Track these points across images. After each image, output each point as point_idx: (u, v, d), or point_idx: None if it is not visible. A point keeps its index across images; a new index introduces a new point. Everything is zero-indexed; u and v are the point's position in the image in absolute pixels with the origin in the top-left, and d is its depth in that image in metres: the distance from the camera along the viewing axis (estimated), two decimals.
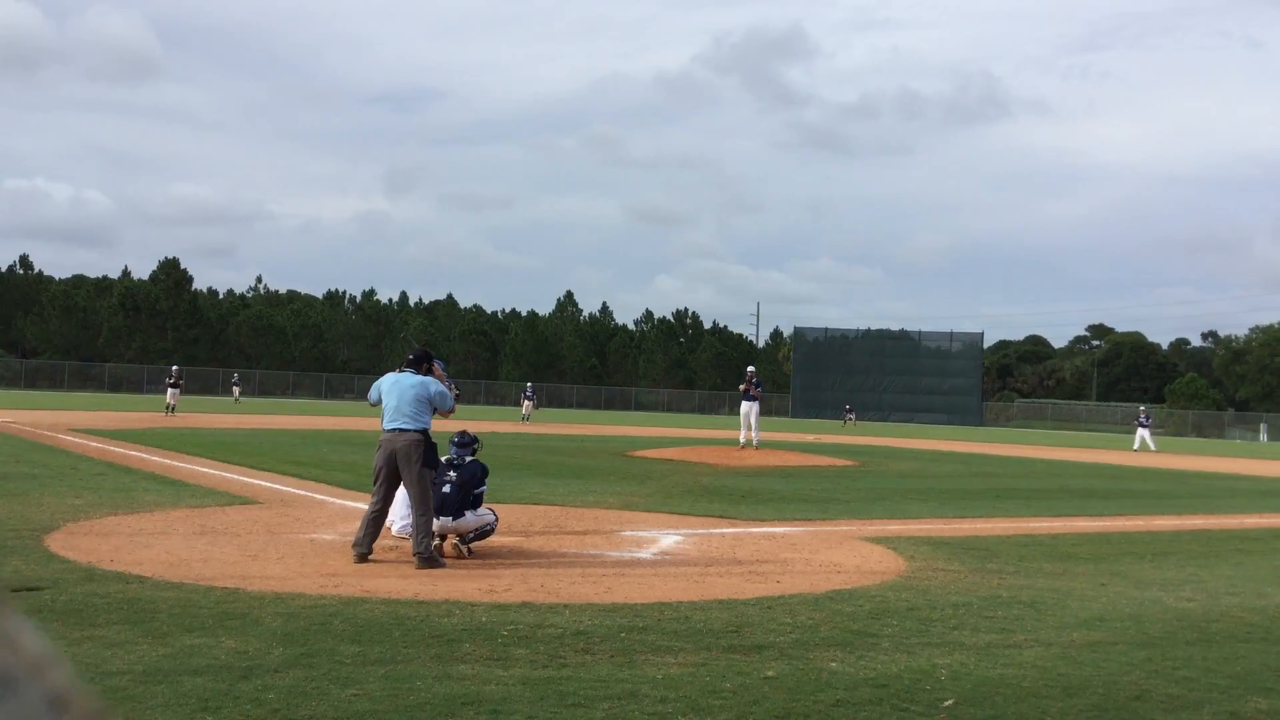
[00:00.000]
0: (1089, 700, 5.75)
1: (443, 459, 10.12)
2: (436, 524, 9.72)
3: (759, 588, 8.76)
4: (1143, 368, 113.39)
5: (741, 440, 26.49)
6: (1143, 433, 44.43)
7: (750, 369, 28.17)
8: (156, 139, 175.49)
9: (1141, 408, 52.39)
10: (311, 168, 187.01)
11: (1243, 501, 20.27)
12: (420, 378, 9.74)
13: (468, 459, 10.25)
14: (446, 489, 9.91)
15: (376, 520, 9.47)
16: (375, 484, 9.59)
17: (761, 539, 11.89)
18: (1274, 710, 5.74)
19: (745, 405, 26.66)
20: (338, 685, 5.44)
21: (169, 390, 40.05)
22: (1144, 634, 7.56)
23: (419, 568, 9.13)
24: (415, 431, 9.47)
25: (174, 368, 43.79)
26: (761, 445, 26.81)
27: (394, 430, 9.51)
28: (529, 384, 55.35)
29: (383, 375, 10.05)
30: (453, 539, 10.02)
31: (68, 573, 8.19)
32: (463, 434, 10.55)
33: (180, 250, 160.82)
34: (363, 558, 9.27)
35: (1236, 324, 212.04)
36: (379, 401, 9.78)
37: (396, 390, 9.62)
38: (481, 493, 10.21)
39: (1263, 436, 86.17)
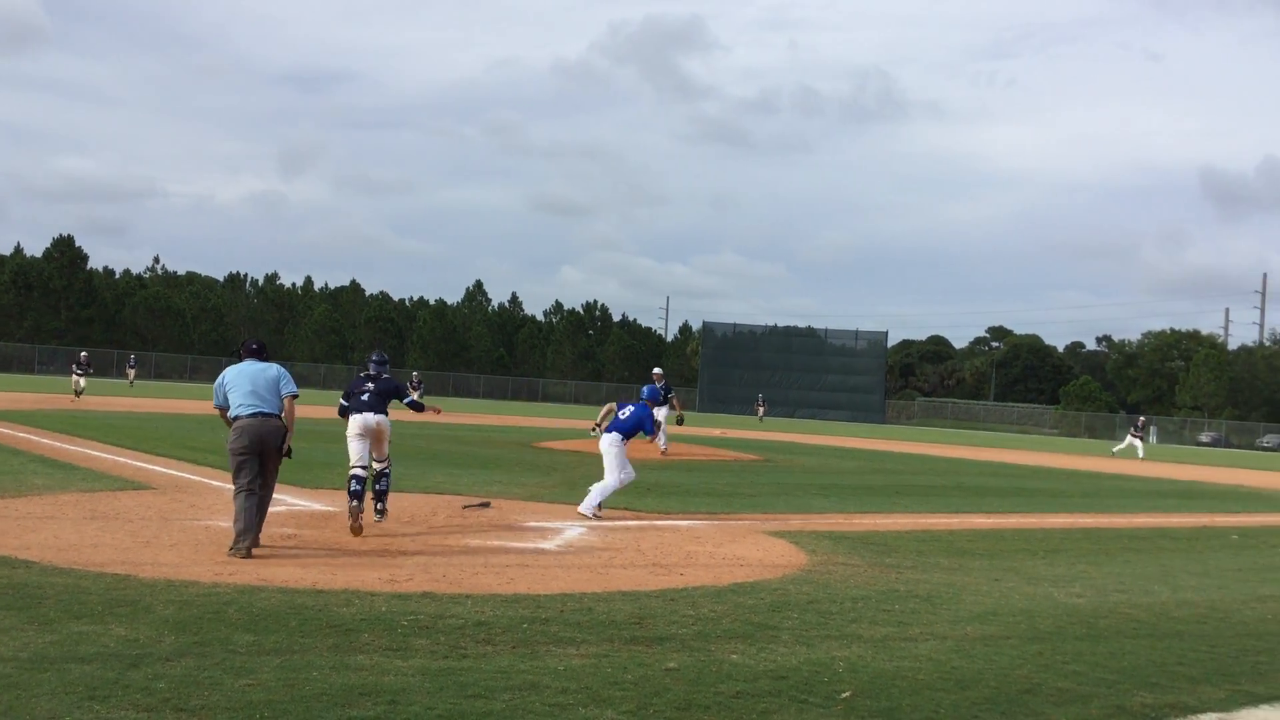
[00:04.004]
0: (982, 693, 5.88)
1: (361, 374, 11.65)
2: (373, 418, 11.13)
3: (662, 580, 8.80)
4: (1039, 369, 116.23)
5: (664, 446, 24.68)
6: (1135, 441, 43.18)
7: (657, 370, 26.67)
8: (43, 111, 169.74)
9: (1140, 419, 51.68)
10: (207, 146, 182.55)
11: (1131, 501, 20.90)
12: (271, 364, 9.65)
13: (384, 375, 11.68)
14: (365, 397, 11.28)
15: (253, 505, 9.04)
16: (240, 470, 9.12)
17: (666, 532, 11.94)
18: (1159, 704, 5.93)
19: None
20: (231, 675, 5.33)
21: (76, 376, 38.37)
22: (1035, 629, 7.75)
23: (244, 554, 8.80)
24: (276, 417, 9.32)
25: (83, 353, 42.07)
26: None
27: (259, 415, 9.21)
28: (415, 373, 54.49)
29: (227, 370, 9.67)
30: (371, 515, 11.02)
31: None
32: (380, 352, 12.21)
33: (70, 227, 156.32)
34: (249, 551, 8.85)
35: (1129, 329, 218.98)
36: (224, 402, 9.39)
37: (249, 376, 9.39)
38: (414, 401, 12.31)
39: (1152, 439, 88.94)
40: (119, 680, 5.14)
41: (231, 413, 9.30)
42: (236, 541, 8.87)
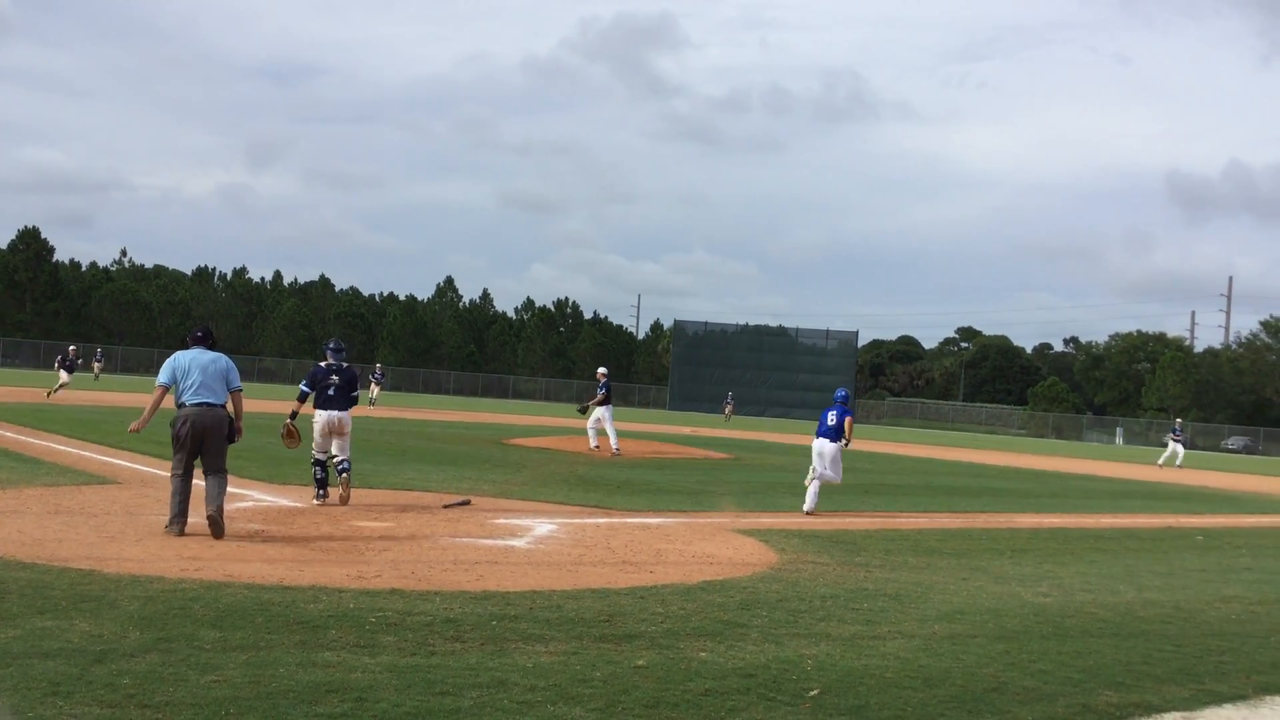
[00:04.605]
0: (949, 691, 5.91)
1: (323, 364, 12.53)
2: (335, 415, 12.27)
3: (632, 577, 8.79)
4: (1008, 370, 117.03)
5: (616, 446, 24.31)
6: (1176, 446, 40.97)
7: (602, 370, 25.63)
8: (8, 102, 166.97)
9: (1178, 420, 48.17)
10: (175, 138, 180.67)
11: (1098, 502, 21.08)
12: (217, 354, 10.09)
13: (344, 365, 12.58)
14: (331, 391, 12.35)
15: (188, 490, 9.71)
16: (178, 454, 9.70)
17: (636, 529, 11.93)
18: (1125, 703, 5.97)
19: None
20: (196, 671, 5.28)
21: (63, 371, 36.14)
22: (1002, 628, 7.80)
23: (215, 535, 9.38)
24: (221, 407, 9.86)
25: (70, 347, 40.41)
26: (593, 441, 24.66)
27: (203, 405, 9.73)
28: (379, 365, 53.77)
29: (174, 355, 10.17)
30: (341, 493, 12.20)
31: None
32: (338, 340, 12.98)
33: (36, 219, 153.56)
34: (183, 531, 9.50)
35: (1096, 331, 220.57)
36: (172, 382, 9.83)
37: (199, 366, 9.83)
38: (356, 396, 12.73)
39: (1119, 440, 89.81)
40: (83, 676, 5.08)
41: (179, 399, 9.78)
42: (171, 521, 9.55)
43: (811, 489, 14.88)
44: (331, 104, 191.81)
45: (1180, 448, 40.92)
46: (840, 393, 15.80)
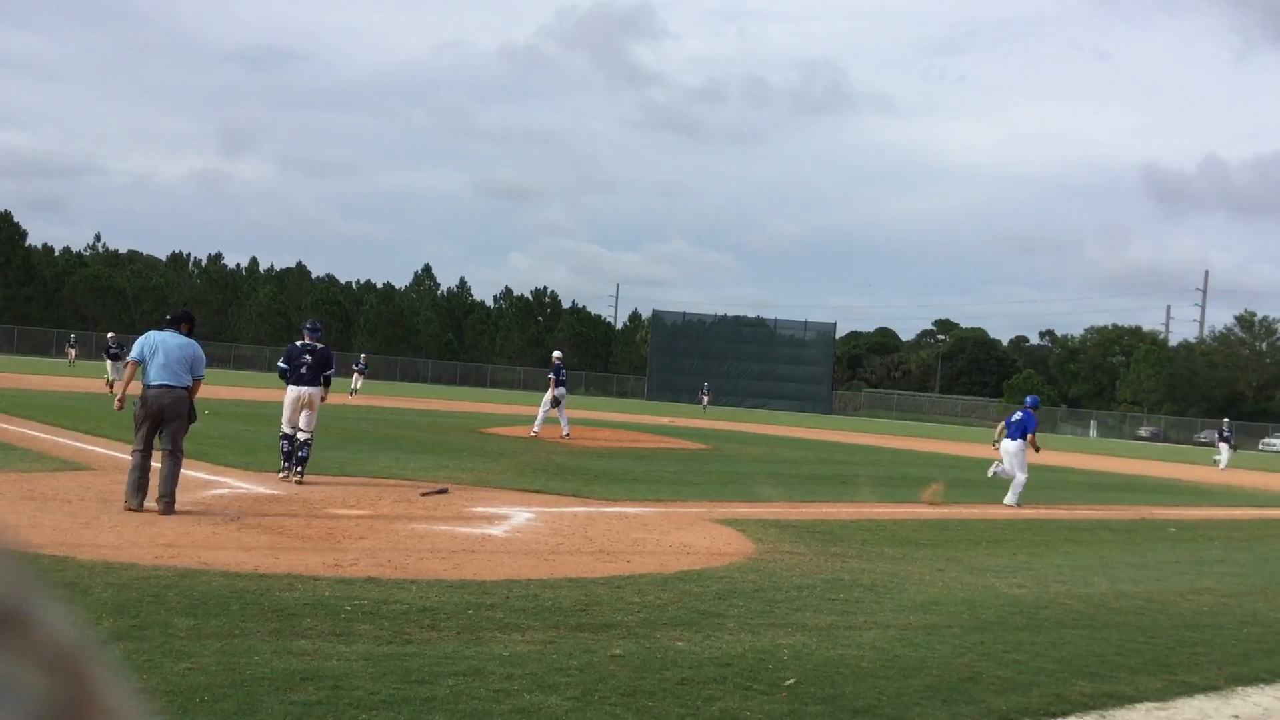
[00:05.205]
0: (924, 681, 5.93)
1: (298, 343, 13.54)
2: (305, 389, 13.24)
3: (609, 567, 8.79)
4: (984, 363, 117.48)
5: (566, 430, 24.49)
6: (1224, 447, 39.39)
7: (557, 354, 25.44)
8: None
9: (1226, 420, 44.65)
10: (150, 123, 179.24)
11: (1073, 494, 21.20)
12: (188, 340, 10.39)
13: (319, 345, 13.58)
14: (304, 369, 13.33)
15: (147, 468, 10.00)
16: (137, 434, 10.09)
17: (613, 519, 11.93)
18: (1098, 693, 6.01)
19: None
20: (171, 659, 5.25)
21: (108, 360, 33.76)
22: (977, 618, 7.84)
23: (161, 511, 9.74)
24: (181, 389, 10.16)
25: (109, 334, 38.04)
26: (541, 428, 24.63)
27: (162, 386, 10.09)
28: (362, 355, 53.06)
29: (147, 334, 10.54)
30: (294, 478, 12.95)
31: None
32: (315, 321, 14.03)
33: (8, 203, 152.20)
34: (140, 506, 9.80)
35: (1072, 324, 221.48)
36: (144, 359, 10.19)
37: (166, 349, 10.16)
38: (330, 375, 13.66)
39: (1093, 432, 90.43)
40: None
41: (144, 378, 10.18)
42: (129, 498, 9.87)
43: (1011, 493, 17.12)
44: (308, 90, 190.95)
45: (1227, 449, 39.10)
46: (1031, 399, 18.41)
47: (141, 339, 10.36)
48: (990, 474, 17.59)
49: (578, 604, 7.21)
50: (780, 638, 6.67)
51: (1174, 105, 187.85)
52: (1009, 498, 16.98)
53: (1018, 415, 17.49)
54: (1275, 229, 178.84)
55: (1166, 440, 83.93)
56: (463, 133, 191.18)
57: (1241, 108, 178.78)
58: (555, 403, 24.45)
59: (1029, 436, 17.14)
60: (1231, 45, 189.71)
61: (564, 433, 24.19)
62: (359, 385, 45.59)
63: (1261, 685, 6.59)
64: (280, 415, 13.76)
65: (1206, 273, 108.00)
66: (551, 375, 24.44)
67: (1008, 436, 17.35)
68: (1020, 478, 17.12)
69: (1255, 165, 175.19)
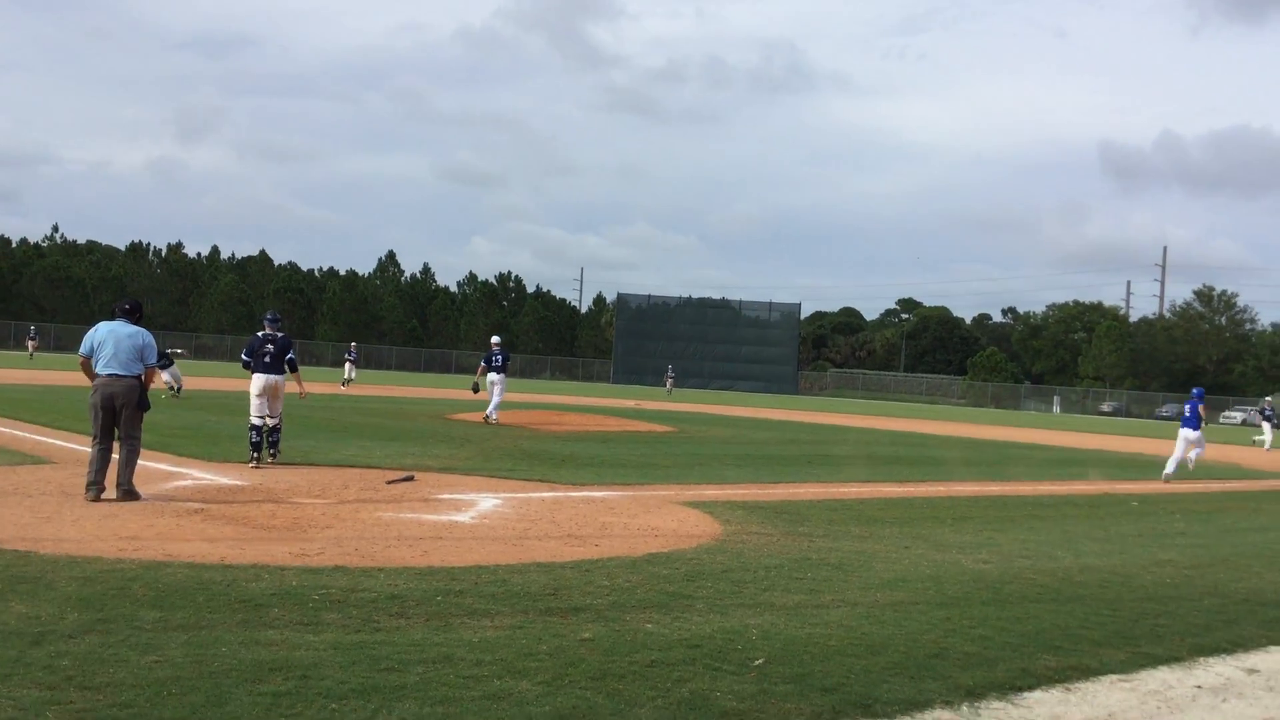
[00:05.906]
0: (891, 658, 5.98)
1: (260, 334, 13.85)
2: (271, 378, 13.67)
3: (577, 551, 8.80)
4: (948, 341, 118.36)
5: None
6: (1267, 426, 38.03)
7: (496, 339, 25.65)
8: None
9: (1267, 399, 42.45)
10: (104, 111, 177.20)
11: (1036, 470, 21.42)
12: (137, 328, 10.45)
13: (279, 334, 13.89)
14: (267, 359, 13.71)
15: (104, 458, 10.15)
16: (94, 425, 10.21)
17: (581, 503, 11.94)
18: (1063, 666, 6.08)
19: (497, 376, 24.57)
20: (137, 652, 5.21)
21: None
22: (943, 594, 7.91)
23: (119, 499, 9.93)
24: (131, 378, 10.26)
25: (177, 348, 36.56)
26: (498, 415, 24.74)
27: (111, 375, 10.19)
28: (353, 344, 51.56)
29: (96, 326, 10.56)
30: (268, 459, 13.40)
31: None
32: (274, 312, 14.27)
33: None
34: (98, 497, 9.87)
35: (1034, 301, 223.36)
36: (90, 352, 10.29)
37: (113, 339, 10.25)
38: (292, 361, 13.94)
39: (1056, 409, 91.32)
40: (20, 659, 4.99)
41: (95, 368, 10.26)
42: (87, 488, 9.95)
43: (1170, 464, 20.38)
44: (263, 76, 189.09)
45: (1270, 428, 37.77)
46: (1197, 390, 21.81)
47: (89, 334, 10.42)
48: (1164, 477, 20.09)
49: (546, 589, 7.22)
50: (749, 618, 6.71)
51: (1130, 82, 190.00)
52: (1191, 462, 21.18)
53: (1188, 406, 21.20)
54: (1232, 204, 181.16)
55: (1128, 415, 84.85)
56: (422, 117, 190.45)
57: (1197, 83, 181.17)
58: (476, 389, 24.86)
59: (1201, 415, 20.92)
60: (1186, 20, 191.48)
61: (491, 416, 24.17)
62: (353, 375, 44.58)
63: (1223, 655, 6.70)
64: (248, 406, 13.99)
65: (1165, 248, 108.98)
66: (482, 362, 24.97)
67: (1187, 426, 20.72)
68: (1201, 450, 21.27)
69: (1211, 141, 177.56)
